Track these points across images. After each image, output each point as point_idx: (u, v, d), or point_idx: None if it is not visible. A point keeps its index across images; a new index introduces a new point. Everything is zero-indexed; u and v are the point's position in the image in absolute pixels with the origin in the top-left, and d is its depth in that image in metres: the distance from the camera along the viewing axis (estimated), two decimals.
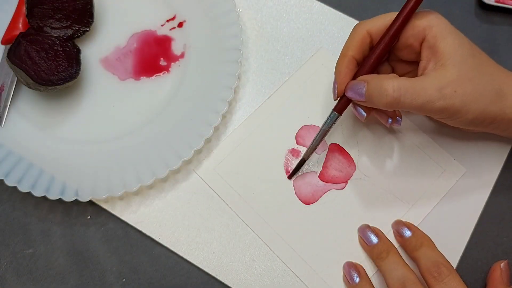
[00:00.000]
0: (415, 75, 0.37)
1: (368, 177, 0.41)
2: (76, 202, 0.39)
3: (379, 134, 0.42)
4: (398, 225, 0.39)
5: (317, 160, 0.42)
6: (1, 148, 0.40)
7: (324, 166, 0.42)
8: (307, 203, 0.41)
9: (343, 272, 0.39)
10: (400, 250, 0.38)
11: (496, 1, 0.45)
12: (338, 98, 0.37)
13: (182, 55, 0.44)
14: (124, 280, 0.39)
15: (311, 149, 0.39)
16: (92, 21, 0.43)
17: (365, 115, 0.37)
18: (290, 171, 0.41)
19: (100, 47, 0.44)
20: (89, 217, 0.41)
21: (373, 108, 0.37)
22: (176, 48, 0.44)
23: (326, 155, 0.42)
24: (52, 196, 0.38)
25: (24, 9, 0.42)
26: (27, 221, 0.41)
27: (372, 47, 0.37)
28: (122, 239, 0.40)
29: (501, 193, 0.41)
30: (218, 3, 0.44)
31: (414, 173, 0.41)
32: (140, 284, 0.39)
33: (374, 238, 0.38)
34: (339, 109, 0.37)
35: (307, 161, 0.41)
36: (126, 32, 0.45)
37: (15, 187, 0.39)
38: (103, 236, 0.40)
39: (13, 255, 0.40)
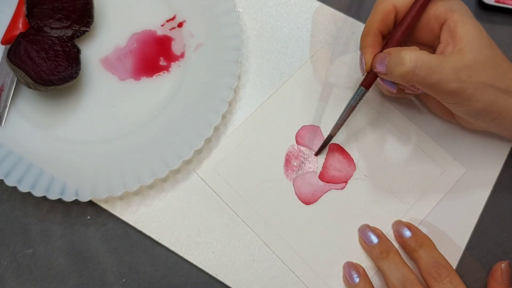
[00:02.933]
0: None
1: (368, 177, 0.41)
2: (76, 202, 0.39)
3: (379, 134, 0.42)
4: (398, 226, 0.39)
5: (317, 160, 0.42)
6: (1, 148, 0.40)
7: (324, 166, 0.42)
8: (307, 203, 0.41)
9: (343, 272, 0.39)
10: (400, 250, 0.38)
11: (496, 1, 0.45)
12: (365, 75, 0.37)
13: (182, 55, 0.44)
14: (124, 280, 0.39)
15: (339, 125, 0.39)
16: (92, 21, 0.43)
17: (395, 86, 0.37)
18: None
19: (100, 47, 0.44)
20: (89, 217, 0.41)
21: None
22: (176, 48, 0.44)
23: (326, 155, 0.42)
24: (52, 196, 0.38)
25: (24, 9, 0.42)
26: (27, 221, 0.41)
27: (396, 22, 0.37)
28: (122, 239, 0.40)
29: (501, 193, 0.41)
30: (218, 3, 0.44)
31: (414, 173, 0.41)
32: (140, 284, 0.39)
33: (375, 238, 0.38)
34: (366, 84, 0.37)
35: (307, 160, 0.41)
36: (126, 32, 0.45)
37: (15, 187, 0.39)
38: (103, 236, 0.40)
39: (13, 255, 0.40)
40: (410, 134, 0.42)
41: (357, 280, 0.37)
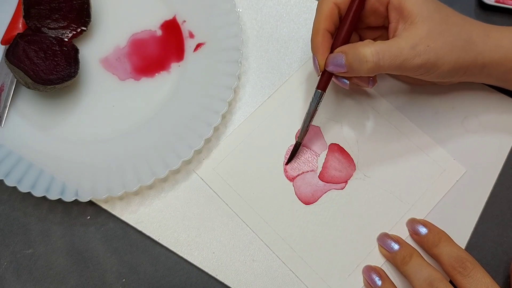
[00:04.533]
0: (384, 39, 0.38)
1: (368, 177, 0.41)
2: (76, 202, 0.39)
3: (379, 134, 0.42)
4: (413, 223, 0.39)
5: (317, 160, 0.42)
6: (1, 148, 0.40)
7: (324, 166, 0.42)
8: (307, 203, 0.41)
9: (363, 277, 0.38)
10: (417, 248, 0.38)
11: (496, 1, 0.45)
12: (320, 76, 0.38)
13: (182, 55, 0.44)
14: (124, 280, 0.39)
15: (304, 132, 0.40)
16: (90, 21, 0.43)
17: (347, 82, 0.38)
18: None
19: (100, 47, 0.44)
20: (89, 217, 0.41)
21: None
22: (176, 48, 0.44)
23: (326, 155, 0.42)
24: (52, 196, 0.38)
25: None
26: (27, 221, 0.41)
27: (341, 17, 0.38)
28: (122, 239, 0.40)
29: (501, 193, 0.41)
30: (218, 3, 0.44)
31: (414, 173, 0.41)
32: (140, 284, 0.39)
33: (395, 245, 0.38)
34: (322, 86, 0.38)
35: (307, 160, 0.41)
36: (126, 32, 0.45)
37: (15, 187, 0.39)
38: (103, 236, 0.40)
39: (13, 255, 0.40)
40: (410, 134, 0.42)
41: (379, 283, 0.37)
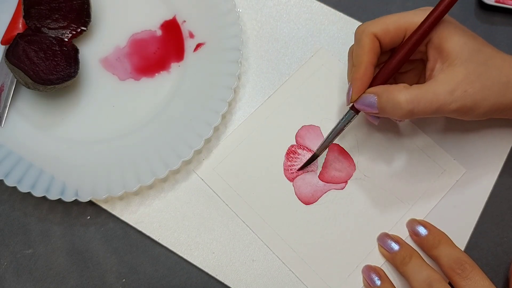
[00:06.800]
0: (418, 73, 0.38)
1: (368, 177, 0.41)
2: (76, 202, 0.39)
3: (379, 134, 0.42)
4: (413, 224, 0.39)
5: (317, 160, 0.42)
6: (1, 148, 0.40)
7: (324, 166, 0.42)
8: (307, 203, 0.41)
9: (363, 276, 0.39)
10: (417, 249, 0.38)
11: (496, 1, 0.45)
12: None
13: (182, 56, 0.44)
14: (124, 280, 0.39)
15: (324, 146, 0.39)
16: (90, 21, 0.43)
17: (378, 119, 0.38)
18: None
19: (100, 47, 0.44)
20: (89, 217, 0.41)
21: None
22: (176, 48, 0.44)
23: (326, 155, 0.42)
24: (52, 196, 0.38)
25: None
26: (27, 221, 0.41)
27: (382, 48, 0.37)
28: (122, 239, 0.40)
29: (501, 193, 0.41)
30: (218, 3, 0.44)
31: (414, 173, 0.41)
32: (140, 284, 0.39)
33: (395, 245, 0.38)
34: (357, 110, 0.37)
35: (306, 159, 0.41)
36: (126, 32, 0.45)
37: (15, 187, 0.39)
38: (103, 236, 0.40)
39: (13, 255, 0.40)
40: (410, 134, 0.42)
41: (378, 282, 0.37)
